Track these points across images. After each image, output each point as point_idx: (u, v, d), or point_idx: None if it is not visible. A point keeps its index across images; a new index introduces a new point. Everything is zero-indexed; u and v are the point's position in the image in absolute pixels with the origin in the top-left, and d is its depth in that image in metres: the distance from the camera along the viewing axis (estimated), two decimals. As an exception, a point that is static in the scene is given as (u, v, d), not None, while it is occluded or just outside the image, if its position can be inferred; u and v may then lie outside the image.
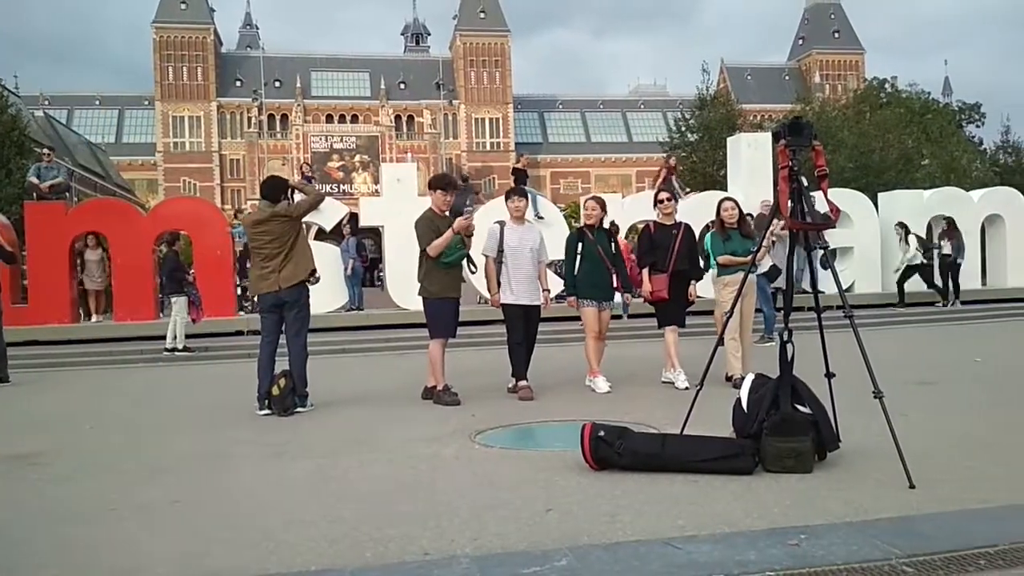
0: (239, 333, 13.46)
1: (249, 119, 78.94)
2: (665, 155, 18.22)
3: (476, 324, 12.07)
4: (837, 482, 4.22)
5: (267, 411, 6.89)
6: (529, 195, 9.43)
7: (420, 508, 4.01)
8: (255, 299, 9.56)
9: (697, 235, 8.51)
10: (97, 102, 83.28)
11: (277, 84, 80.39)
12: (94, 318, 15.03)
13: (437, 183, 7.68)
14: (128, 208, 17.35)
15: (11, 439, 6.43)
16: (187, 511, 4.16)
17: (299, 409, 6.96)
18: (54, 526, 3.97)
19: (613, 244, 8.07)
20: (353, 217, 17.16)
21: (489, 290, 7.85)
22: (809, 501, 3.91)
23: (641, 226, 9.08)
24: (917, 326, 14.39)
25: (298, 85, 79.66)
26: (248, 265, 9.95)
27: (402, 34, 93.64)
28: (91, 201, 24.27)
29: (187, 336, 12.34)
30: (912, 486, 3.97)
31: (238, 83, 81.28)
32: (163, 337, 12.33)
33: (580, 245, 7.76)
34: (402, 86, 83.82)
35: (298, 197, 8.19)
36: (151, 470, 5.12)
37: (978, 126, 55.55)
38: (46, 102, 69.84)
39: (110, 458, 5.54)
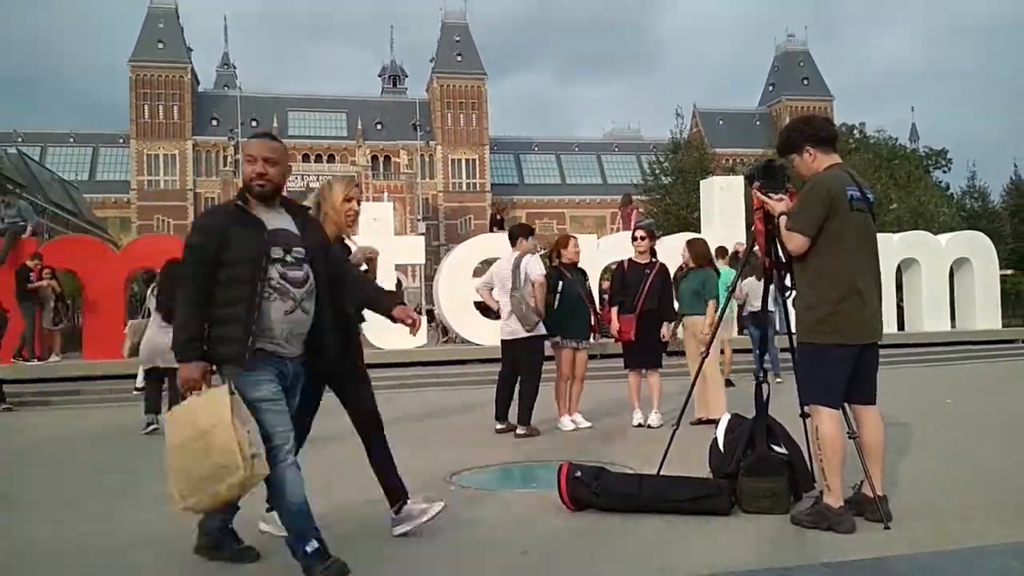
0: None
1: (225, 158, 78.80)
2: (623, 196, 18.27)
3: (445, 364, 12.04)
4: (813, 522, 4.22)
5: None
6: None
7: (394, 551, 3.95)
8: None
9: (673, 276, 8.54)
10: (71, 139, 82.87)
11: (254, 123, 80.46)
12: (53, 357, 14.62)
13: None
14: (100, 245, 17.20)
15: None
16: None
17: None
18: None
19: (588, 284, 8.11)
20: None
21: (536, 308, 7.49)
22: (786, 541, 3.91)
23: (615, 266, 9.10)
24: (887, 367, 14.50)
25: (275, 124, 79.71)
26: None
27: (380, 75, 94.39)
28: (63, 238, 24.00)
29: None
30: (887, 527, 3.98)
31: (214, 122, 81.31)
32: (134, 376, 12.11)
33: (560, 284, 7.76)
34: (379, 126, 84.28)
35: None
36: (115, 508, 5.00)
37: (945, 171, 56.93)
38: (19, 139, 69.35)
39: (86, 495, 5.43)
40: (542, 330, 7.49)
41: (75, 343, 16.13)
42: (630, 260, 8.03)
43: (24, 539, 4.43)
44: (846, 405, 4.17)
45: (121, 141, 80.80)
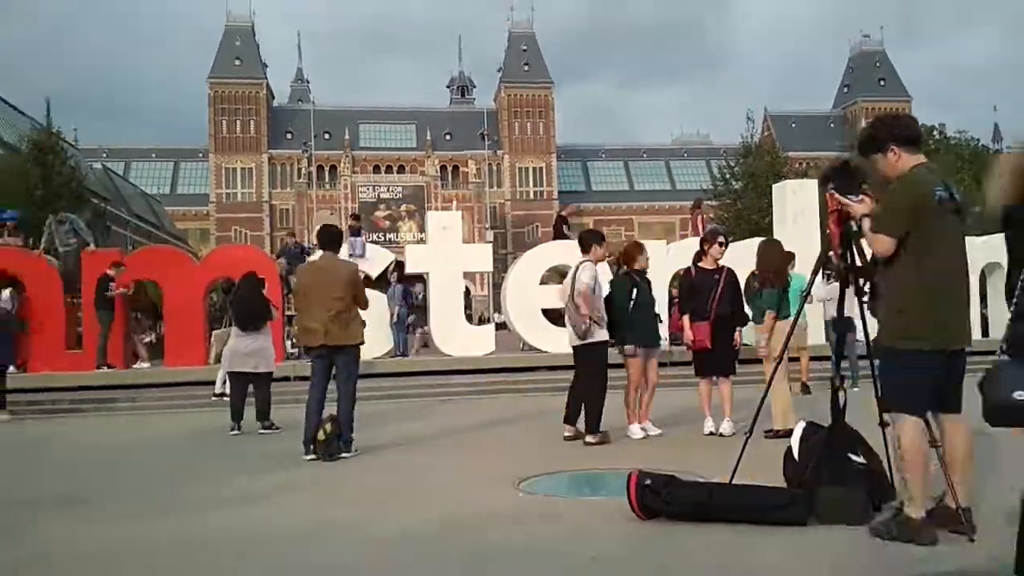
0: (286, 379, 13.59)
1: (299, 170, 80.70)
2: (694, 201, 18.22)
3: (515, 371, 12.06)
4: (893, 534, 4.09)
5: (312, 456, 6.91)
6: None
7: (465, 555, 3.98)
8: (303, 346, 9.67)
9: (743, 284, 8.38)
10: (153, 155, 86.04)
11: (326, 136, 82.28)
12: None
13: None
14: (180, 255, 17.78)
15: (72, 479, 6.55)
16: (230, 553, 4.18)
17: (344, 455, 6.96)
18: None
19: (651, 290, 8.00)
20: (399, 265, 17.36)
21: (591, 316, 7.40)
22: (865, 553, 3.80)
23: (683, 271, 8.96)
24: (970, 375, 13.97)
25: (346, 137, 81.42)
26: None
27: (448, 87, 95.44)
28: (145, 248, 24.94)
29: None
30: (971, 539, 3.83)
31: (288, 135, 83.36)
32: (212, 382, 12.50)
33: (635, 291, 7.70)
34: (448, 137, 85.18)
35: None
36: (196, 510, 5.16)
37: (1031, 172, 54.43)
38: (104, 155, 72.23)
39: (153, 498, 5.62)
40: (598, 337, 7.38)
41: (158, 351, 16.68)
42: (698, 267, 7.90)
43: (95, 539, 4.60)
44: (930, 414, 4.02)
45: (200, 156, 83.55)
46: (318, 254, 7.55)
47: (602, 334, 7.40)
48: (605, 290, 7.72)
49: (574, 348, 7.55)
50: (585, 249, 7.75)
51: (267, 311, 9.45)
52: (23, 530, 4.87)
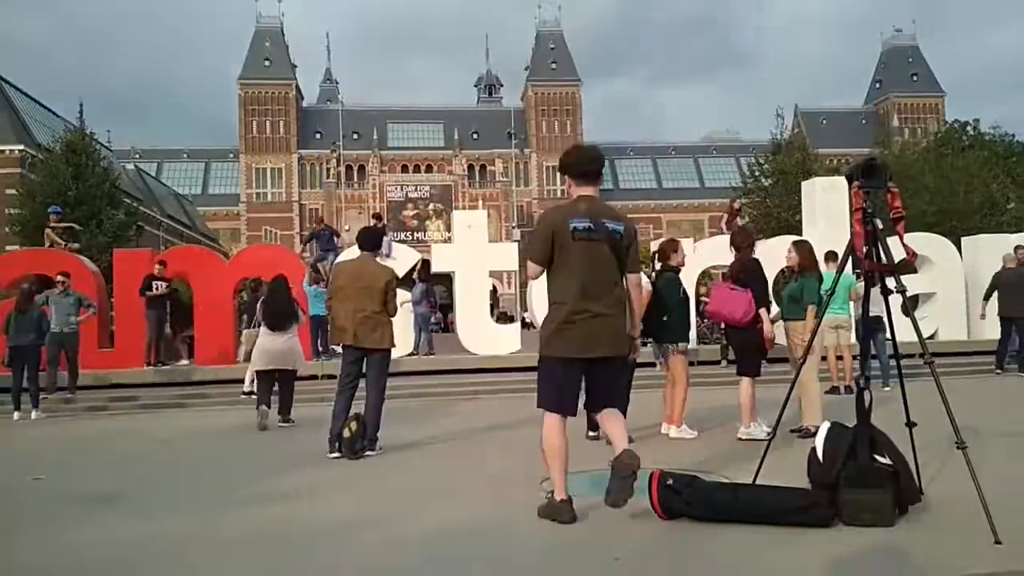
0: (314, 377, 13.69)
1: (328, 170, 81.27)
2: (729, 199, 18.18)
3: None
4: (919, 537, 4.04)
5: (337, 454, 6.96)
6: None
7: (487, 556, 3.99)
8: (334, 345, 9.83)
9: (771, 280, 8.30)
10: (185, 155, 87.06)
11: (355, 136, 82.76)
12: None
13: None
14: (210, 254, 17.99)
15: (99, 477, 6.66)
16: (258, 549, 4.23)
17: (368, 453, 7.01)
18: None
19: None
20: (425, 264, 17.43)
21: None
22: (890, 556, 3.75)
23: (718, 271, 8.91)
24: (1005, 375, 13.74)
25: (375, 137, 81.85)
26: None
27: (475, 86, 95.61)
28: (176, 248, 25.27)
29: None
30: (998, 541, 3.77)
31: (318, 135, 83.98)
32: (241, 380, 12.63)
33: (681, 290, 7.65)
34: (475, 136, 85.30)
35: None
36: (223, 507, 5.22)
37: (1069, 168, 53.28)
38: (137, 156, 73.27)
39: (193, 493, 5.69)
40: None
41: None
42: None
43: (128, 535, 4.67)
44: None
45: (231, 156, 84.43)
46: (355, 252, 7.65)
47: None
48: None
49: None
50: None
51: (295, 312, 9.73)
52: (62, 525, 4.96)
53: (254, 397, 12.27)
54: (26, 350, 11.12)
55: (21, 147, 33.96)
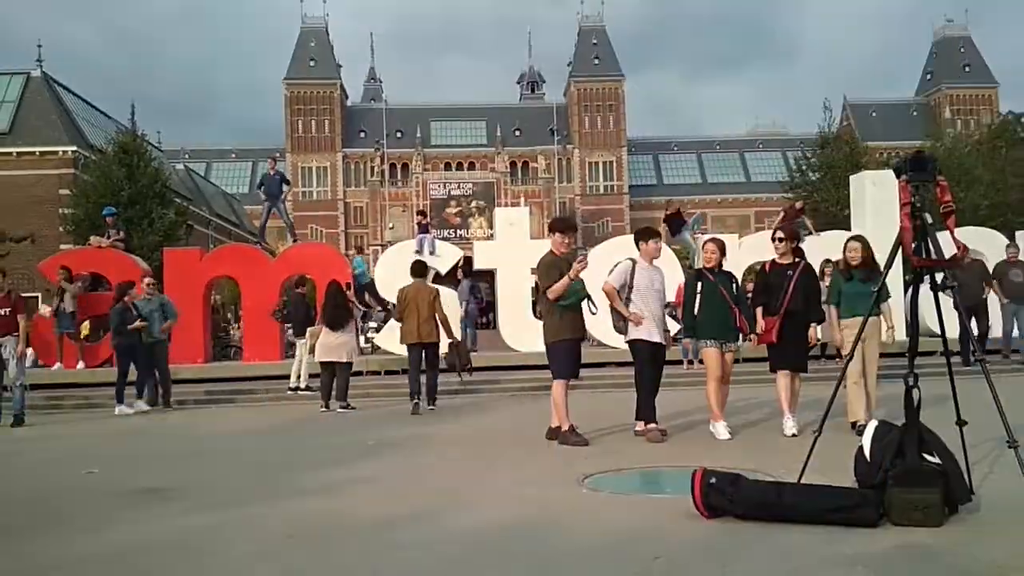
0: (359, 373, 13.84)
1: (372, 168, 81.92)
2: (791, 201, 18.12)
3: (587, 367, 11.94)
4: (970, 538, 3.95)
5: (416, 400, 10.04)
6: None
7: (528, 553, 3.99)
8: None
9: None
10: (232, 155, 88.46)
11: (399, 134, 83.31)
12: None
13: (556, 226, 7.79)
14: (257, 253, 18.26)
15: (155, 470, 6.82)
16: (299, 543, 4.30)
17: (431, 407, 10.08)
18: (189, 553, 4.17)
19: (735, 285, 7.85)
20: (467, 261, 17.50)
21: (621, 313, 7.57)
22: (939, 557, 3.67)
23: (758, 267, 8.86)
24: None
25: (418, 135, 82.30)
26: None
27: (518, 82, 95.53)
28: (223, 247, 25.73)
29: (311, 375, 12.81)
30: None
31: (362, 134, 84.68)
32: (287, 376, 12.83)
33: (700, 286, 7.63)
34: (517, 133, 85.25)
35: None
36: (280, 497, 5.31)
37: None
38: (186, 156, 74.62)
39: (239, 487, 5.80)
40: (632, 335, 7.53)
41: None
42: (772, 261, 7.83)
43: (182, 527, 4.77)
44: None
45: (278, 155, 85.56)
46: (409, 281, 10.62)
47: (636, 332, 7.49)
48: (670, 289, 7.70)
49: (655, 346, 7.62)
50: (637, 247, 7.83)
51: (349, 313, 11.33)
52: (121, 517, 5.09)
53: (300, 393, 12.56)
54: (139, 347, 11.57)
55: (74, 148, 34.76)
